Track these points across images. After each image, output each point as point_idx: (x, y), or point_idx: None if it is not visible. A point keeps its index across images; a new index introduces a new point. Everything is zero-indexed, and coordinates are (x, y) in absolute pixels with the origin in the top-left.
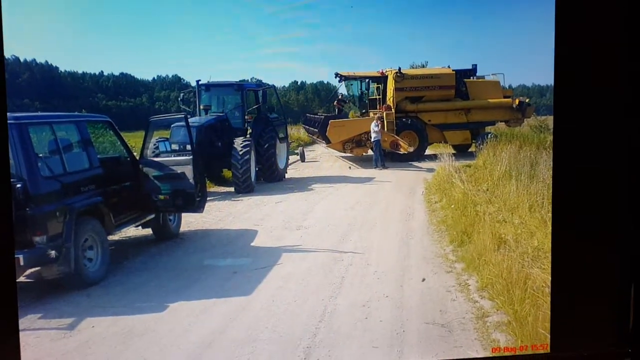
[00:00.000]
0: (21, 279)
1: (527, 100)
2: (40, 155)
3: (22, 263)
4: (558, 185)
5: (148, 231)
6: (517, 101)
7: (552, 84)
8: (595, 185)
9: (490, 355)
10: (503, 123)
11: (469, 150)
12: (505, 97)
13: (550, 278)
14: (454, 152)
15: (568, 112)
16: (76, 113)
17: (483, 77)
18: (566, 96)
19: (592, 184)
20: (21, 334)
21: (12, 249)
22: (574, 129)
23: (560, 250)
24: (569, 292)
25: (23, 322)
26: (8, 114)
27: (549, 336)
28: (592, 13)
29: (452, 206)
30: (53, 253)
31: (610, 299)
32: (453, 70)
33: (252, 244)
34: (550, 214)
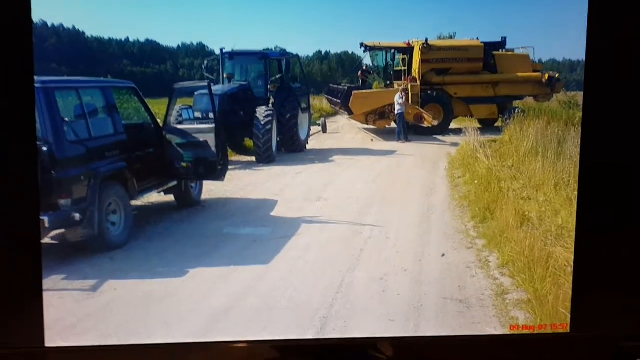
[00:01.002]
0: (46, 240)
1: (557, 75)
2: (66, 119)
3: (47, 225)
4: (585, 164)
5: (170, 198)
6: (546, 76)
7: (584, 59)
8: (623, 167)
9: (509, 333)
10: (531, 98)
11: (495, 125)
12: (534, 71)
13: (573, 257)
14: (479, 126)
15: (599, 96)
16: (102, 78)
17: (512, 50)
18: (597, 83)
19: (620, 166)
20: (45, 294)
21: (38, 211)
22: (604, 113)
23: (584, 229)
24: (591, 272)
25: (47, 283)
26: (35, 77)
27: (569, 316)
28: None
29: (476, 182)
30: (77, 216)
31: (632, 281)
32: (482, 43)
33: (272, 213)
34: (576, 193)
